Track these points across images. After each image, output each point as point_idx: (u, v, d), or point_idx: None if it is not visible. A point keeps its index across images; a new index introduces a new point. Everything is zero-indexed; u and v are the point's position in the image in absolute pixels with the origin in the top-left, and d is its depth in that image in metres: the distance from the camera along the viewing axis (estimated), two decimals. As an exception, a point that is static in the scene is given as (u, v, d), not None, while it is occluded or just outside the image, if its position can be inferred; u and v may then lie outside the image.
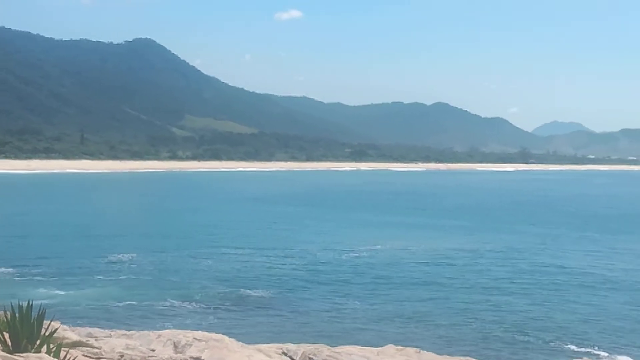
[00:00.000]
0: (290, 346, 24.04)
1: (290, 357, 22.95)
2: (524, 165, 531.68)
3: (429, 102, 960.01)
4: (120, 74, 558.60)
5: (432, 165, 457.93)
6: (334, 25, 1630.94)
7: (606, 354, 36.88)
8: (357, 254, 72.53)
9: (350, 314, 46.57)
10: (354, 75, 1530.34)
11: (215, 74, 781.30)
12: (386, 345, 26.19)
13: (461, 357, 26.26)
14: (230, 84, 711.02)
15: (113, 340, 21.80)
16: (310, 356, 22.09)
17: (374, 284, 57.38)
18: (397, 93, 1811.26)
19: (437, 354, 26.41)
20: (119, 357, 17.72)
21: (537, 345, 40.10)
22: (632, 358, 36.50)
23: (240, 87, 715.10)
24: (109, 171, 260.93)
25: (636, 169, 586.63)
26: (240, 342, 23.86)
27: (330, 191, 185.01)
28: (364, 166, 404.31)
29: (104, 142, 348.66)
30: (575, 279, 60.86)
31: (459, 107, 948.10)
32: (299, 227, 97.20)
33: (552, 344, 40.22)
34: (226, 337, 23.63)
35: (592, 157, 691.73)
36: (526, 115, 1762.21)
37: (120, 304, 46.99)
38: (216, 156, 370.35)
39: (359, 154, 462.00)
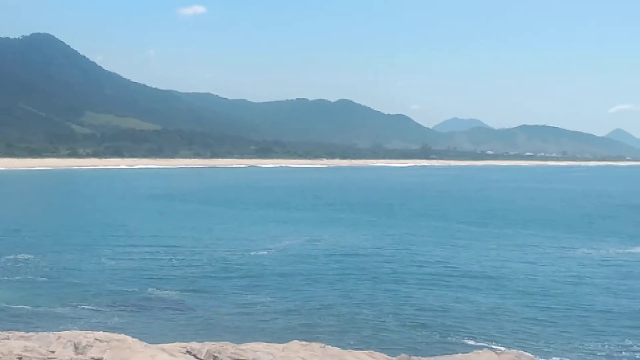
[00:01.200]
0: (194, 345, 23.88)
1: (194, 355, 22.80)
2: (426, 161, 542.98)
3: (333, 99, 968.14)
4: (17, 69, 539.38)
5: (337, 162, 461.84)
6: (237, 21, 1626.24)
7: (503, 349, 37.20)
8: (265, 251, 72.33)
9: (257, 311, 46.48)
10: (258, 71, 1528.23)
11: (117, 70, 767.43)
12: (292, 341, 26.29)
13: (364, 351, 26.58)
14: (132, 80, 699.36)
15: (11, 343, 21.20)
16: (215, 354, 22.01)
17: (281, 280, 57.42)
18: (302, 90, 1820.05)
19: (341, 347, 26.68)
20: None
21: (435, 339, 40.58)
22: (530, 352, 36.80)
23: (143, 83, 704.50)
24: (6, 169, 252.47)
25: (533, 164, 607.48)
26: (143, 342, 23.56)
27: (237, 188, 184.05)
28: (269, 163, 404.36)
29: (0, 140, 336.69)
30: (474, 273, 61.88)
31: (363, 104, 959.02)
32: (206, 225, 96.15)
33: (450, 338, 40.75)
34: (129, 337, 23.30)
35: (491, 152, 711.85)
36: (427, 112, 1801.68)
37: (18, 306, 45.52)
38: (118, 153, 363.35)
39: (264, 151, 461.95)
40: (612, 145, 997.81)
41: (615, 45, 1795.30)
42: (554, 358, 36.57)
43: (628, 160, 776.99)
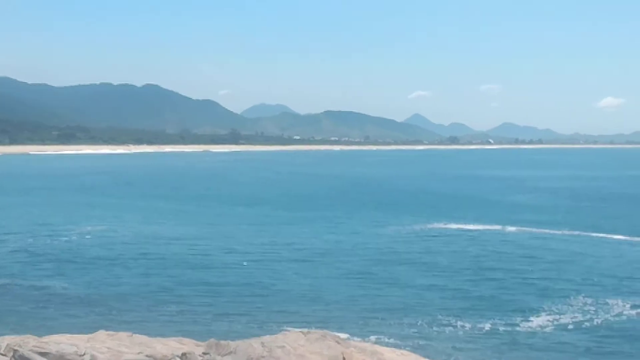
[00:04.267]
0: (-7, 339, 22.89)
1: (-7, 350, 21.87)
2: (235, 146, 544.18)
3: (139, 84, 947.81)
4: None
5: (144, 148, 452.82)
6: (37, 3, 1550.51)
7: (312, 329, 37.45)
8: (67, 237, 70.43)
9: (61, 300, 45.02)
10: (59, 54, 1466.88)
11: None
12: (98, 331, 25.79)
13: (173, 338, 26.57)
14: None
15: None
16: (16, 348, 21.24)
17: (88, 266, 56.28)
18: (106, 74, 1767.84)
19: (149, 335, 26.51)
20: None
21: (243, 323, 40.77)
22: (347, 334, 36.92)
23: None
24: None
25: (336, 148, 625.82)
26: None
27: (40, 176, 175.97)
28: (73, 150, 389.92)
29: None
30: (286, 256, 62.86)
31: (170, 89, 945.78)
32: (12, 212, 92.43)
33: (258, 322, 41.01)
34: None
35: (298, 137, 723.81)
36: (236, 97, 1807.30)
37: None
38: None
39: (67, 137, 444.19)
40: (411, 130, 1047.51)
41: (413, 34, 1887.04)
42: (372, 337, 36.83)
43: (425, 144, 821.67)
